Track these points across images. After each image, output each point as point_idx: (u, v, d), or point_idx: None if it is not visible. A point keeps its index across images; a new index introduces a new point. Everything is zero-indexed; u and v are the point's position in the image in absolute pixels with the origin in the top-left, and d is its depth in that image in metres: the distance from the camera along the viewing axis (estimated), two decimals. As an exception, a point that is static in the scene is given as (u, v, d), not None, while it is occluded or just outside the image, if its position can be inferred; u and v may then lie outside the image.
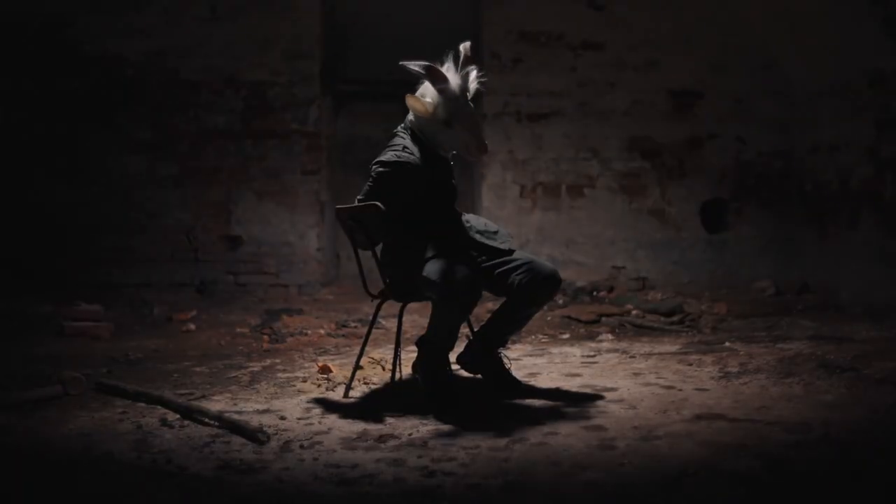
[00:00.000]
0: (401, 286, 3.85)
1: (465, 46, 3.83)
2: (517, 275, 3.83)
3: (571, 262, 7.44)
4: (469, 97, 3.79)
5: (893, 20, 5.92)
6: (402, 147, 3.83)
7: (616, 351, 5.11)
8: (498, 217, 7.43)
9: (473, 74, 3.81)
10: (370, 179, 3.82)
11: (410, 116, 3.89)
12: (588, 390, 4.05)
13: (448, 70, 3.72)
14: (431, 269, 3.63)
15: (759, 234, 7.63)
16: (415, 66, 3.69)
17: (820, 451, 2.99)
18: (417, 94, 3.78)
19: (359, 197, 3.85)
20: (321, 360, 4.75)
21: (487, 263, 3.85)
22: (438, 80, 3.68)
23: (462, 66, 3.77)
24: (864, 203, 6.63)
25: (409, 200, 3.80)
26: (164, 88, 7.33)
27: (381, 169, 3.79)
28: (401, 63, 3.71)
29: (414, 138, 3.87)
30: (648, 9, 7.50)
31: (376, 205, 3.68)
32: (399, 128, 3.95)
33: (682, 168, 7.64)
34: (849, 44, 6.47)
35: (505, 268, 3.87)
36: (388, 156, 3.82)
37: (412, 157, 3.80)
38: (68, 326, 5.77)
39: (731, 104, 7.59)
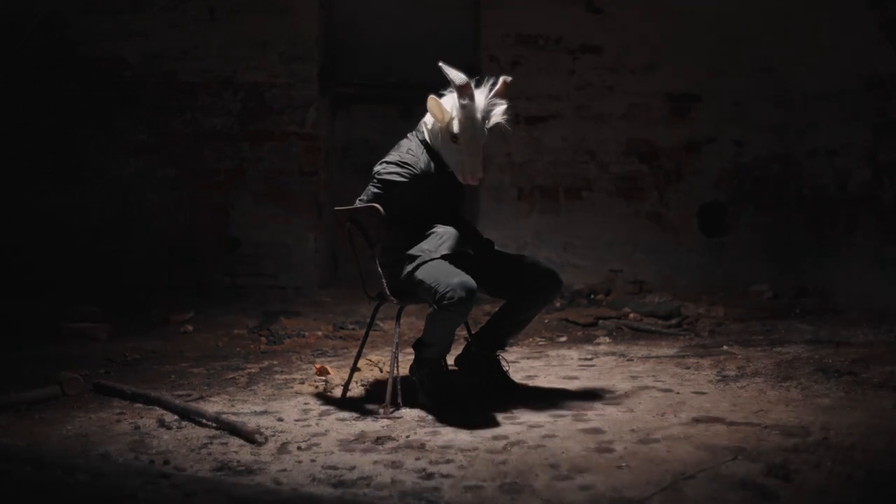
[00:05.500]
0: (399, 288, 3.84)
1: (505, 79, 3.82)
2: (518, 276, 3.83)
3: (569, 265, 7.43)
4: (487, 126, 3.76)
5: (891, 25, 5.93)
6: (406, 149, 3.83)
7: (613, 354, 5.11)
8: (495, 220, 7.44)
9: (501, 109, 3.78)
10: (373, 181, 3.82)
11: (425, 119, 3.88)
12: (585, 393, 4.05)
13: (480, 91, 3.71)
14: (428, 272, 3.63)
15: (757, 238, 7.64)
16: (451, 72, 3.66)
17: (818, 455, 2.99)
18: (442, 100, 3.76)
19: (360, 198, 3.85)
20: (318, 362, 4.75)
21: (486, 265, 3.85)
22: (465, 95, 3.63)
23: (495, 94, 3.76)
24: (861, 207, 6.64)
25: (412, 203, 3.80)
26: (162, 90, 7.32)
27: (383, 171, 3.79)
28: (440, 64, 3.67)
29: (423, 142, 3.87)
30: (647, 12, 7.50)
31: (375, 206, 3.68)
32: (412, 133, 3.95)
33: (679, 171, 7.64)
34: (846, 48, 6.48)
35: (505, 269, 3.87)
36: (391, 157, 3.82)
37: (415, 159, 3.79)
38: (66, 327, 5.76)
39: (728, 108, 7.61)
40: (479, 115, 3.68)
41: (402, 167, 3.77)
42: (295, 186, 7.41)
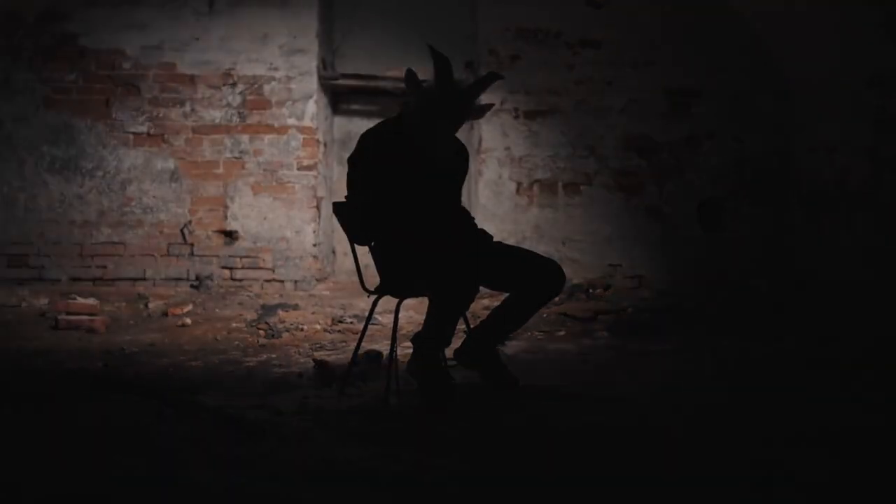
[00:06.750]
0: (398, 281, 3.84)
1: (493, 73, 3.86)
2: (521, 270, 3.82)
3: (568, 260, 7.41)
4: (464, 112, 3.79)
5: (892, 21, 5.92)
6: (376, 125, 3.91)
7: (612, 348, 5.11)
8: (494, 214, 7.43)
9: (481, 101, 3.84)
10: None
11: (407, 100, 3.90)
12: (584, 387, 4.05)
13: (463, 81, 3.75)
14: (429, 266, 3.62)
15: (756, 233, 7.63)
16: (433, 51, 3.71)
17: (816, 453, 2.99)
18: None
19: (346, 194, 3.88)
20: (317, 356, 4.75)
21: (488, 258, 3.84)
22: (443, 72, 3.70)
23: (478, 84, 3.79)
24: (861, 203, 6.63)
25: (396, 186, 3.78)
26: (161, 82, 7.31)
27: (354, 152, 3.84)
28: (428, 44, 3.73)
29: (397, 121, 3.90)
30: (647, 7, 7.49)
31: (373, 200, 3.68)
32: None
33: (679, 166, 7.63)
34: (847, 44, 6.47)
35: (507, 263, 3.85)
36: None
37: (378, 132, 3.85)
38: (63, 320, 5.76)
39: (728, 103, 7.59)
40: (457, 97, 3.71)
41: (363, 141, 3.82)
42: (294, 180, 7.39)
